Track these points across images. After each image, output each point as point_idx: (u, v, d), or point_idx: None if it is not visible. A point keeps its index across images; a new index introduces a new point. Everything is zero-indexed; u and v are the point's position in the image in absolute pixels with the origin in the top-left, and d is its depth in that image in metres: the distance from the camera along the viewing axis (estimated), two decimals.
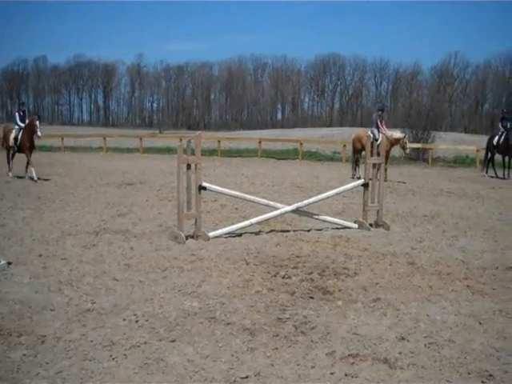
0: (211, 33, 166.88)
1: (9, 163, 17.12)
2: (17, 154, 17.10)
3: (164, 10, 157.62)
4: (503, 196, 14.94)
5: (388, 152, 17.68)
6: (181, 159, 8.20)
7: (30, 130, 16.22)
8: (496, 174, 20.82)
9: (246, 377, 3.92)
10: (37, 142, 17.60)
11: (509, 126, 20.64)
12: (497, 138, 20.82)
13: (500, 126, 21.06)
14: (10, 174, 16.76)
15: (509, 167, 20.70)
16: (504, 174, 20.49)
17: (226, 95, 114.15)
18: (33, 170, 15.98)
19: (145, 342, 4.47)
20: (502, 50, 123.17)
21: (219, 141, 30.20)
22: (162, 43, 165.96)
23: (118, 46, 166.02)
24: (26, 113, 17.54)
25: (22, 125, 16.58)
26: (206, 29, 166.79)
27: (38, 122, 16.06)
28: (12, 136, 16.82)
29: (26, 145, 16.29)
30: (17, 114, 17.06)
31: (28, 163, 16.25)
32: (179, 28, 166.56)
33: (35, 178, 15.67)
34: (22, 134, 16.44)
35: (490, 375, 4.04)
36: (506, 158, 20.60)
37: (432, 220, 10.58)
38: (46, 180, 16.04)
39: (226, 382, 3.85)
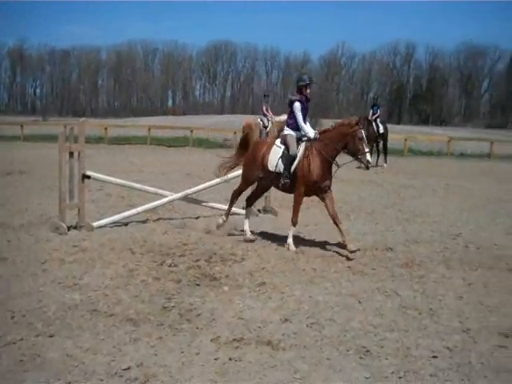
0: (101, 17, 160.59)
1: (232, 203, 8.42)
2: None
3: None
4: (384, 180, 15.74)
5: None
6: (62, 147, 7.86)
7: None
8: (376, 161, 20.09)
9: (128, 368, 3.83)
10: None
11: (372, 113, 20.46)
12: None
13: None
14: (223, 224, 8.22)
15: (379, 154, 20.64)
16: (376, 162, 19.96)
17: (115, 81, 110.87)
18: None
19: (21, 339, 4.25)
20: (386, 40, 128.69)
21: (106, 128, 29.27)
22: (48, 27, 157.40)
23: None
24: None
25: (312, 133, 7.51)
26: (95, 13, 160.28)
27: None
28: (273, 153, 7.67)
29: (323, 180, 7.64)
30: (298, 103, 7.52)
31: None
32: (66, 11, 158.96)
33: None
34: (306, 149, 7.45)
35: (368, 351, 4.23)
36: (379, 146, 20.59)
37: (317, 205, 10.87)
38: None
39: (107, 374, 3.74)
